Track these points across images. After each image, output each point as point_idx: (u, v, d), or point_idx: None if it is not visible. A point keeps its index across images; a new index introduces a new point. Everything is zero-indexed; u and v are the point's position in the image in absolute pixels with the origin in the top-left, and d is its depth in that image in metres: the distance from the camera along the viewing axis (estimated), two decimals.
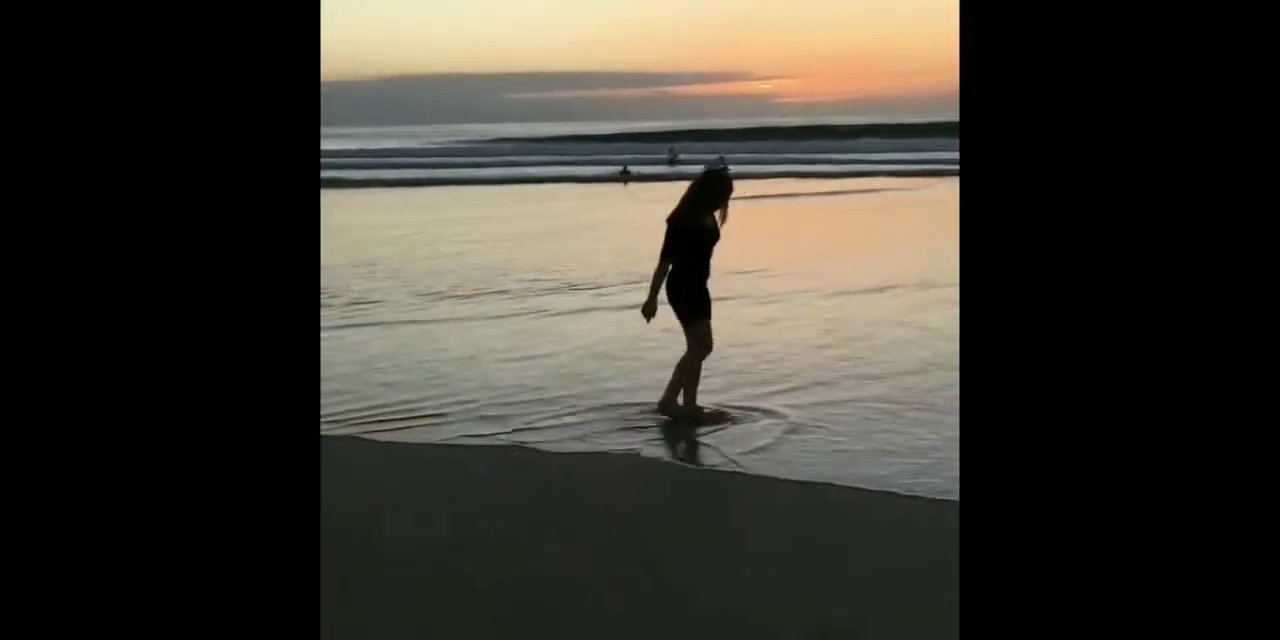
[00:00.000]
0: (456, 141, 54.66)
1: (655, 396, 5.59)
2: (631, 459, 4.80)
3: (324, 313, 8.04)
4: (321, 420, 5.03)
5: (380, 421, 5.38)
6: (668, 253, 5.42)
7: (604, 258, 11.61)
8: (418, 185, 27.09)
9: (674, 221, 5.46)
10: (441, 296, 9.25)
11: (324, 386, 4.77)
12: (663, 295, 5.41)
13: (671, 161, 34.69)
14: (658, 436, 5.22)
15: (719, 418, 5.53)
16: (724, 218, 5.55)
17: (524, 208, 19.81)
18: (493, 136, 58.10)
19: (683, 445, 5.13)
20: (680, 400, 5.57)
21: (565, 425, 5.29)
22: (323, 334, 6.00)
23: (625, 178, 30.48)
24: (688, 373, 5.55)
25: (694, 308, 5.46)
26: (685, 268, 5.46)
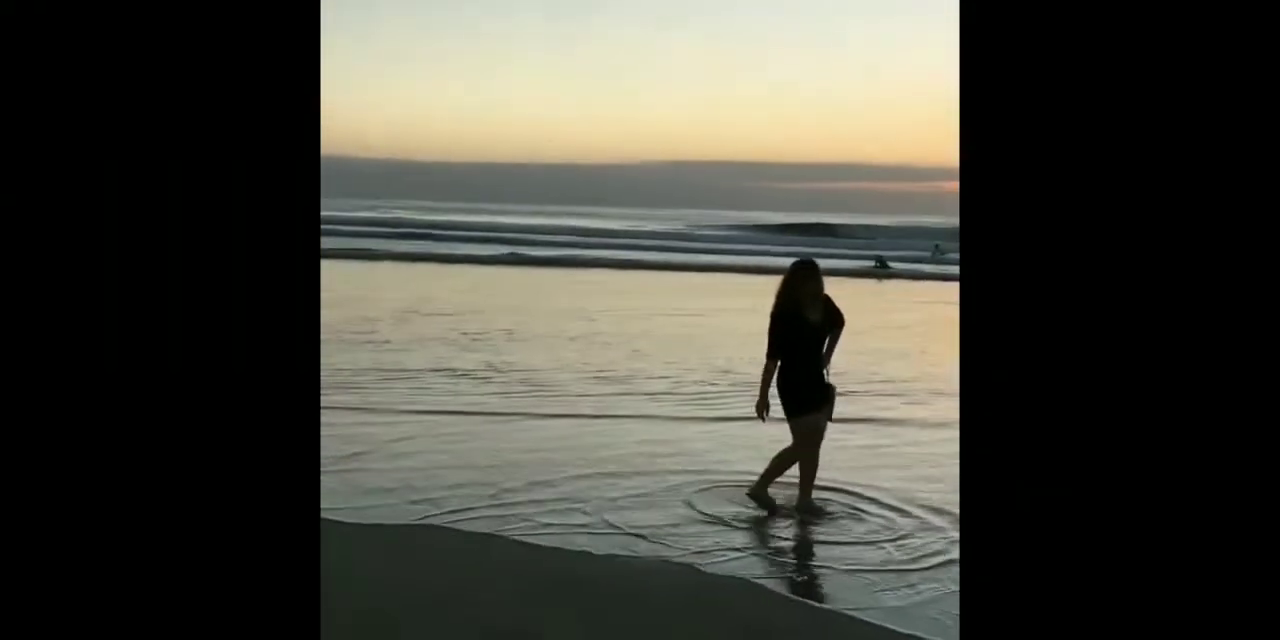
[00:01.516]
0: (711, 227, 55.17)
1: None
2: None
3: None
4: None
5: None
6: (771, 349, 5.39)
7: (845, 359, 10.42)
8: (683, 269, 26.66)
9: (774, 316, 5.40)
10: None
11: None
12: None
13: (935, 257, 32.93)
14: None
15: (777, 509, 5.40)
16: (821, 306, 5.38)
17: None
18: (750, 223, 58.16)
19: None
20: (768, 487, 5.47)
21: None
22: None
23: (881, 271, 29.11)
24: (781, 463, 5.48)
25: (793, 404, 5.38)
26: (786, 363, 5.39)
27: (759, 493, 5.46)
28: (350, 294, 15.15)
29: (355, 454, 6.05)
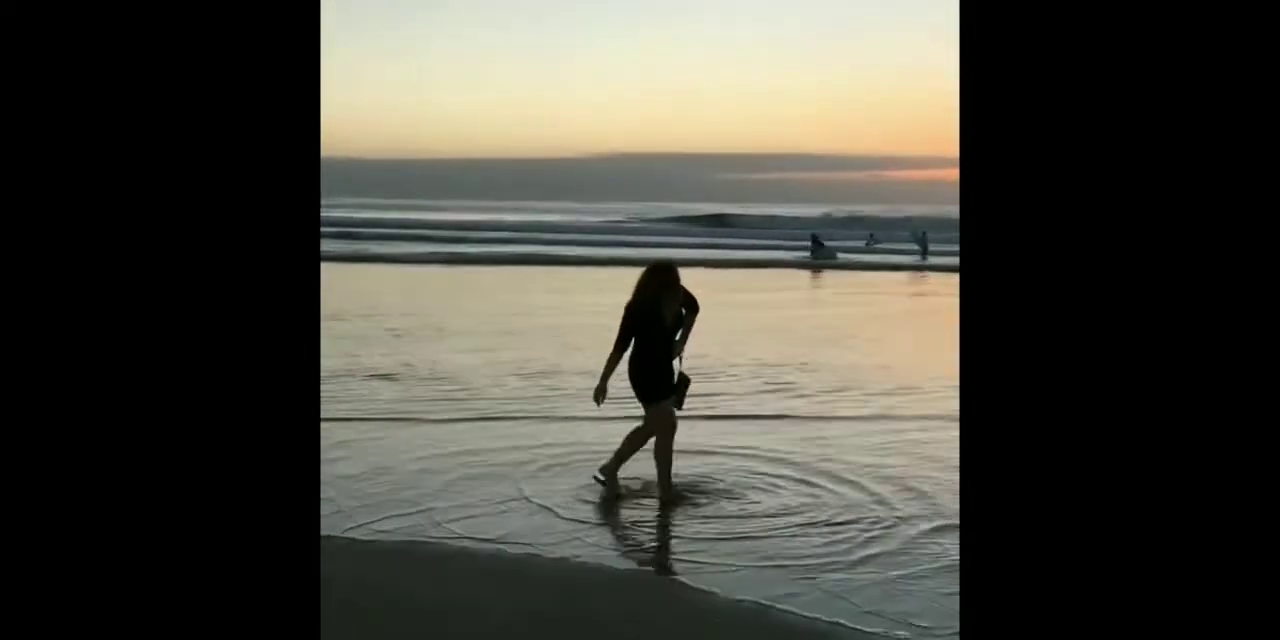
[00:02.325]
0: (648, 219, 54.97)
1: None
2: None
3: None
4: None
5: None
6: (619, 341, 5.63)
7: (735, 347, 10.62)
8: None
9: (629, 310, 5.63)
10: None
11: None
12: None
13: (869, 247, 32.85)
14: None
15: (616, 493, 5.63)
16: (676, 301, 5.60)
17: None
18: (689, 214, 57.81)
19: None
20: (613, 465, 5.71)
21: None
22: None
23: (818, 253, 28.92)
24: (631, 443, 5.74)
25: (647, 392, 5.63)
26: (637, 353, 5.63)
27: (609, 470, 5.72)
28: None
29: None
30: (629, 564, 4.61)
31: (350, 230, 38.18)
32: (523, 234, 39.28)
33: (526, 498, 5.50)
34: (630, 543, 4.94)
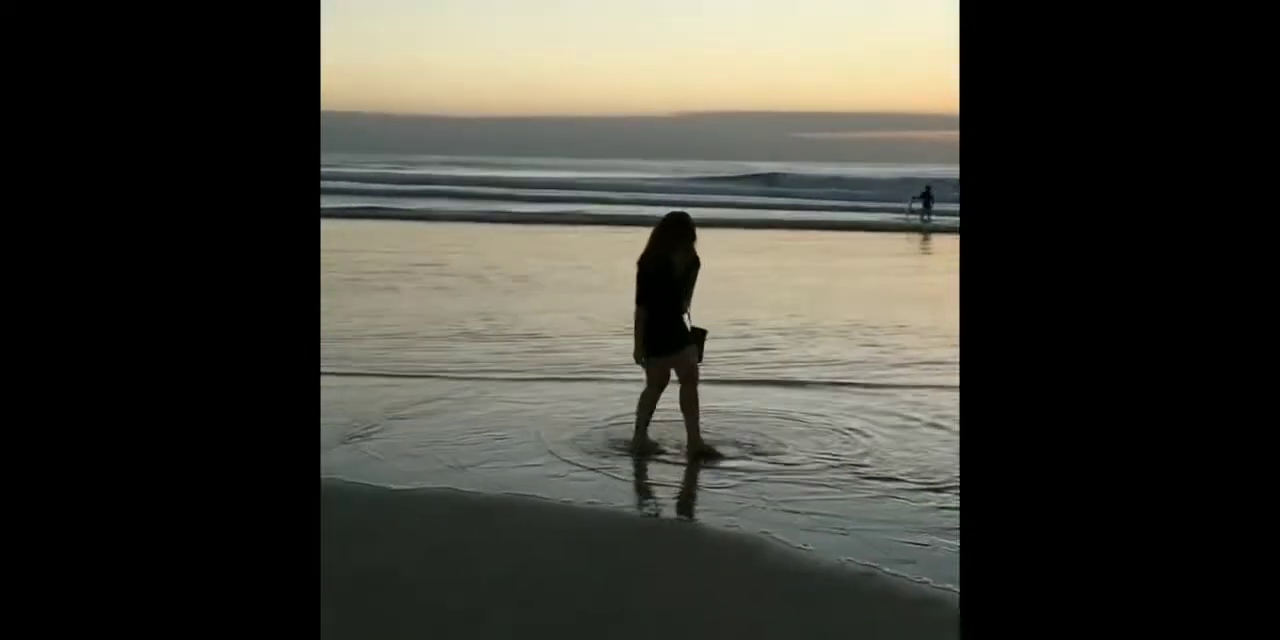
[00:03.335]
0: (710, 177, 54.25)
1: None
2: None
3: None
4: None
5: None
6: (641, 297, 5.60)
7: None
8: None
9: (641, 265, 5.60)
10: None
11: None
12: None
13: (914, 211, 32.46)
14: None
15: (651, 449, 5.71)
16: (690, 258, 5.57)
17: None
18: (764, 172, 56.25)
19: None
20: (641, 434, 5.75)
21: None
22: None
23: (925, 209, 28.47)
24: (644, 408, 5.75)
25: (657, 346, 5.62)
26: (653, 308, 5.58)
27: (637, 443, 5.76)
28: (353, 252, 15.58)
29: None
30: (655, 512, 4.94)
31: (426, 187, 38.67)
32: (591, 192, 39.25)
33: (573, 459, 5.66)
34: (655, 492, 5.21)
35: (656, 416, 5.85)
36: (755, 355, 8.60)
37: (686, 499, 5.17)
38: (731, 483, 5.23)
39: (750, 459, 5.60)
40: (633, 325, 5.67)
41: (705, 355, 5.81)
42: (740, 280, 13.68)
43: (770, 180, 50.57)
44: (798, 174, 54.60)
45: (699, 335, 5.72)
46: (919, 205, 29.90)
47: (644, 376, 5.81)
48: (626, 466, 5.54)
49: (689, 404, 5.67)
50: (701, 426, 5.72)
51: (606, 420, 6.28)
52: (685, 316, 5.70)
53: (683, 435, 5.75)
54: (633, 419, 5.84)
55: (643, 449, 5.76)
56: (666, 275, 5.60)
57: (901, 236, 25.24)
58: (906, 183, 46.35)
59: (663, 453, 5.73)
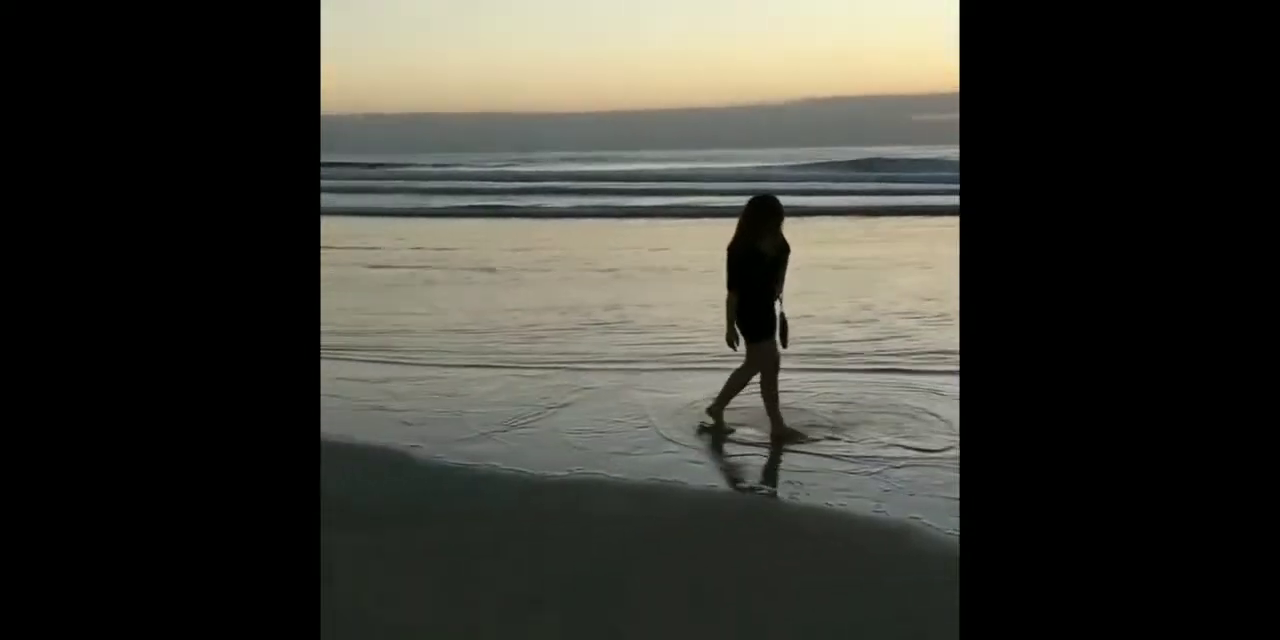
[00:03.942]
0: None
1: None
2: None
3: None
4: None
5: None
6: (730, 283, 5.64)
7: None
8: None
9: (731, 250, 5.63)
10: None
11: None
12: None
13: None
14: None
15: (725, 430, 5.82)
16: (780, 242, 5.61)
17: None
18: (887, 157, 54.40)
19: None
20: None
21: None
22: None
23: None
24: (735, 382, 5.88)
25: (751, 331, 5.67)
26: (745, 293, 5.61)
27: (716, 409, 5.93)
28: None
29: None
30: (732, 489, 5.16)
31: (540, 184, 39.11)
32: (702, 184, 39.07)
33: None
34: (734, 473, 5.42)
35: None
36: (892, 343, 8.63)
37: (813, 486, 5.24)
38: (874, 469, 5.34)
39: (889, 446, 5.68)
40: (725, 311, 5.69)
41: (790, 342, 5.88)
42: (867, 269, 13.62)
43: (871, 165, 48.72)
44: (909, 158, 52.93)
45: (783, 323, 5.74)
46: None
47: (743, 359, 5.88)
48: (760, 454, 5.70)
49: (769, 389, 5.78)
50: (833, 412, 5.94)
51: (738, 408, 6.48)
52: (777, 302, 5.72)
53: (798, 420, 5.94)
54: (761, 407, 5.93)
55: (714, 416, 5.93)
56: (756, 260, 5.61)
57: None
58: None
59: (729, 431, 5.90)
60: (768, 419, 5.87)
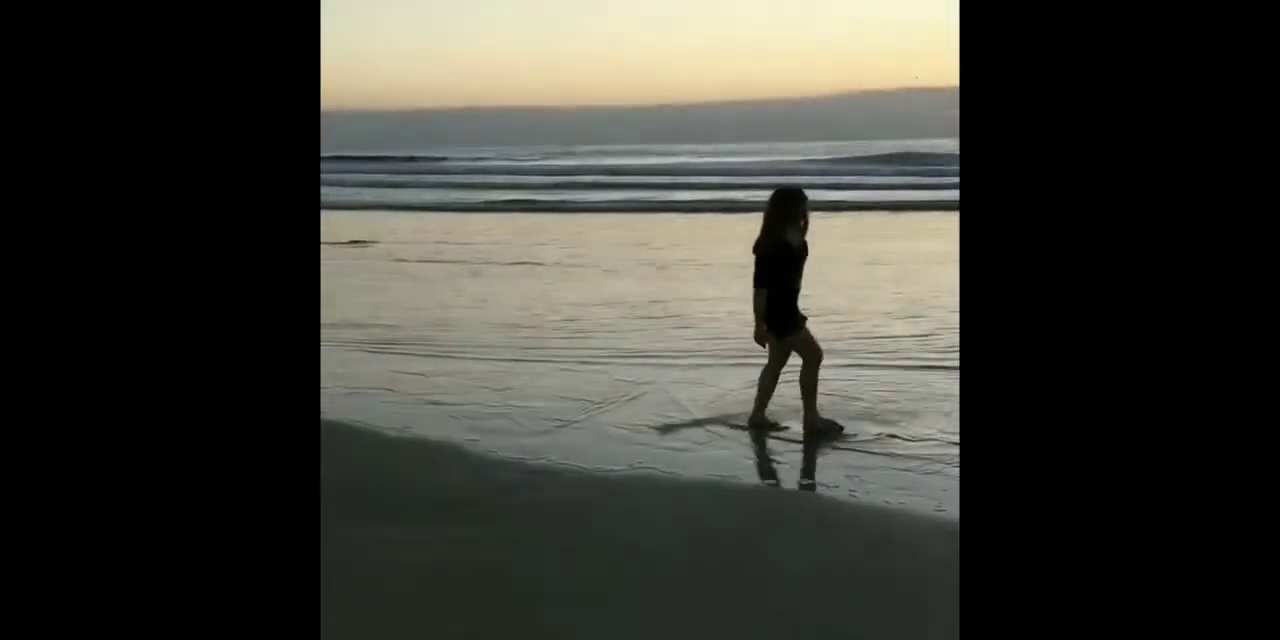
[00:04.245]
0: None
1: None
2: None
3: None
4: None
5: None
6: (760, 280, 5.60)
7: None
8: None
9: (758, 249, 5.59)
10: None
11: None
12: None
13: None
14: None
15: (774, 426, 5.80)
16: (801, 233, 5.62)
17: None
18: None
19: None
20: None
21: None
22: None
23: None
24: (768, 384, 5.83)
25: (785, 325, 5.64)
26: (773, 289, 5.58)
27: (758, 419, 5.85)
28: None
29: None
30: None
31: (578, 179, 38.97)
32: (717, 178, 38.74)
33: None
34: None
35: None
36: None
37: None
38: (933, 468, 5.29)
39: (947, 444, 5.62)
40: (754, 309, 5.68)
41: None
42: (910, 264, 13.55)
43: (905, 160, 47.51)
44: (939, 152, 51.77)
45: (801, 319, 5.77)
46: None
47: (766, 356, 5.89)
48: (814, 447, 5.68)
49: (809, 382, 5.77)
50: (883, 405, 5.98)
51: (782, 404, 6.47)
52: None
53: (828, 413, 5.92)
54: (798, 402, 5.92)
55: (759, 425, 5.87)
56: (784, 255, 5.61)
57: None
58: None
59: (784, 429, 5.87)
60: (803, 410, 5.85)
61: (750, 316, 5.85)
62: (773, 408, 6.05)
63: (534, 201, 29.41)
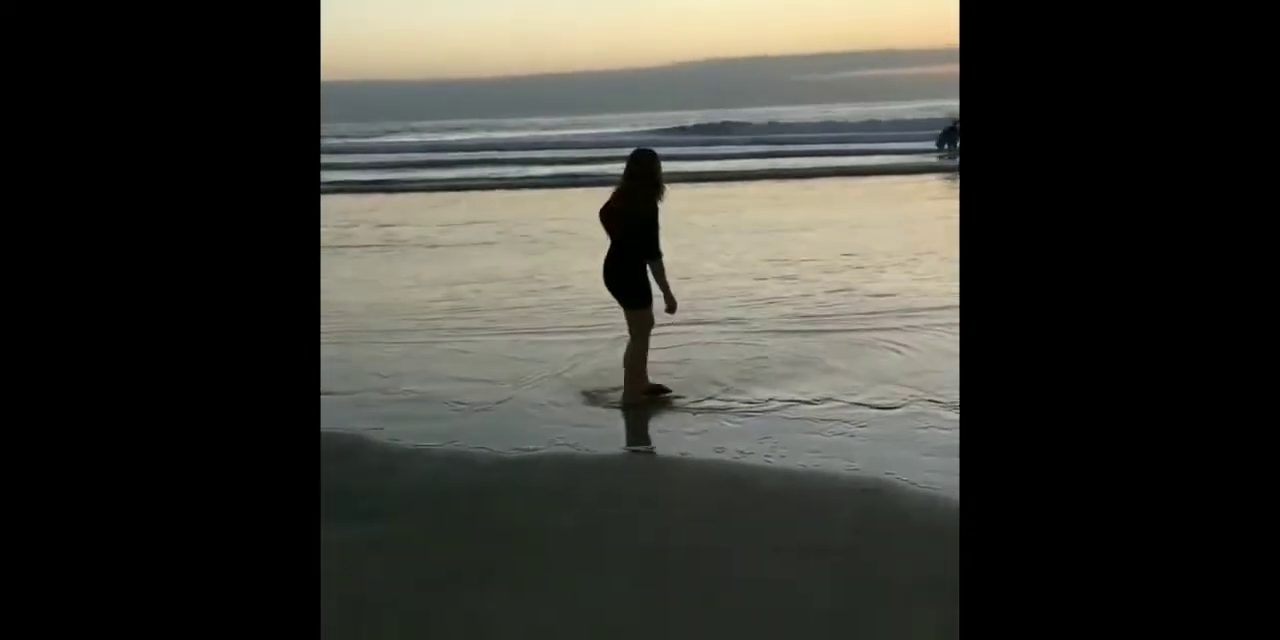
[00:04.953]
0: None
1: None
2: None
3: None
4: None
5: None
6: (655, 248, 5.42)
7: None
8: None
9: (639, 215, 5.36)
10: None
11: None
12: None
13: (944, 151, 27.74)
14: None
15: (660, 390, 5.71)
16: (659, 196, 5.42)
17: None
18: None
19: None
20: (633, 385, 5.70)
21: None
22: None
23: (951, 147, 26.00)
24: (637, 361, 5.65)
25: (639, 298, 5.52)
26: (634, 257, 5.43)
27: (631, 399, 5.70)
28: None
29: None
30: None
31: (414, 156, 37.71)
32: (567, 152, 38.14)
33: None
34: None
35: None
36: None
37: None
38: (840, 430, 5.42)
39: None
40: (663, 276, 5.51)
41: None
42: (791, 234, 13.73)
43: (722, 129, 45.78)
44: (755, 122, 51.78)
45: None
46: (945, 146, 27.23)
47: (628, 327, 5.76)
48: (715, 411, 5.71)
49: (642, 357, 5.77)
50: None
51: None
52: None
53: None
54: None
55: (652, 392, 5.81)
56: (633, 219, 5.42)
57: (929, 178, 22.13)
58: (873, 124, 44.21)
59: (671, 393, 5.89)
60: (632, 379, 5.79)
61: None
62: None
63: (377, 182, 28.23)
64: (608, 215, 5.52)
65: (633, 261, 5.47)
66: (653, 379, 5.98)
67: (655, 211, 5.41)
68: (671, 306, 5.56)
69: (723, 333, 7.62)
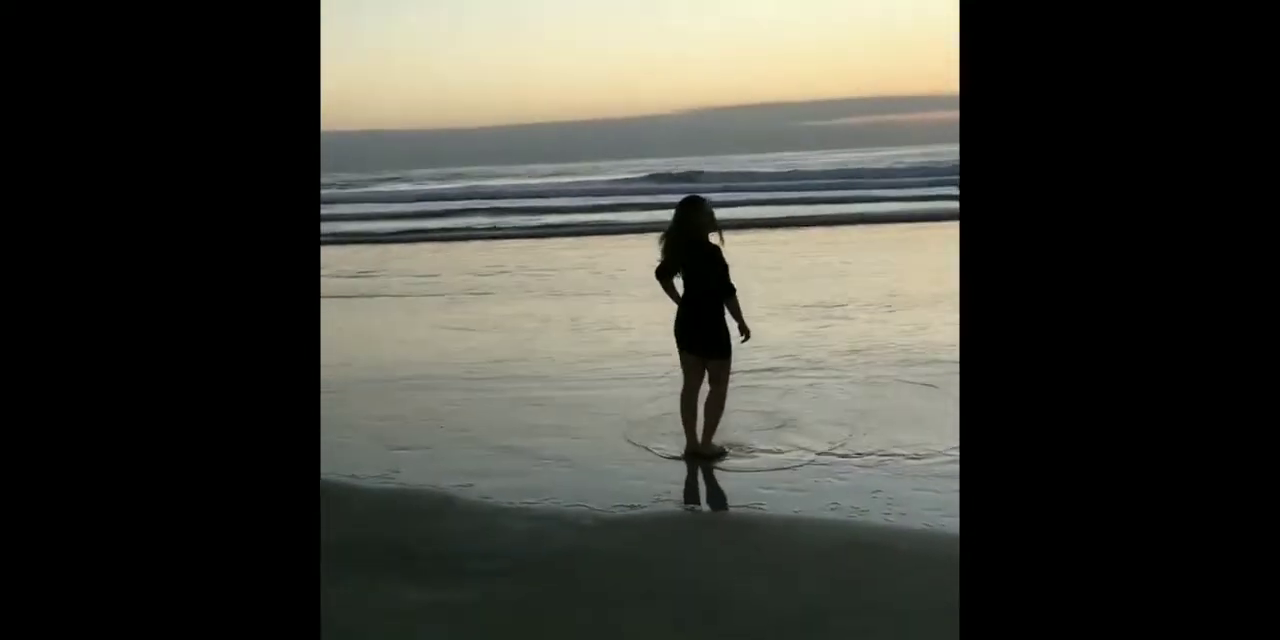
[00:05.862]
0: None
1: None
2: None
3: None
4: None
5: None
6: (728, 285, 5.36)
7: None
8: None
9: (718, 251, 5.34)
10: None
11: None
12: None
13: None
14: None
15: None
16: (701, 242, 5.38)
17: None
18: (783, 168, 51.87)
19: None
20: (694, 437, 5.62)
21: None
22: None
23: None
24: (717, 408, 5.56)
25: (721, 346, 5.48)
26: (712, 304, 5.40)
27: (711, 449, 5.60)
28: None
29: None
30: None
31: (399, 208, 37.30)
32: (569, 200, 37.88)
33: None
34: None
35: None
36: None
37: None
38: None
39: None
40: (736, 314, 5.49)
41: None
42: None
43: (690, 178, 44.29)
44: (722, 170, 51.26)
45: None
46: None
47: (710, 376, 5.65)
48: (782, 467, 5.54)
49: (720, 407, 5.67)
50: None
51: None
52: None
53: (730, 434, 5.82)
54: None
55: (711, 454, 5.64)
56: (688, 266, 5.45)
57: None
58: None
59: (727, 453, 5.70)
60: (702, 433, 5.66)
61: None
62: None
63: (367, 234, 27.65)
64: (659, 274, 5.54)
65: (711, 310, 5.39)
66: (732, 428, 5.86)
67: (716, 249, 5.35)
68: (746, 335, 5.50)
69: (810, 383, 7.37)
